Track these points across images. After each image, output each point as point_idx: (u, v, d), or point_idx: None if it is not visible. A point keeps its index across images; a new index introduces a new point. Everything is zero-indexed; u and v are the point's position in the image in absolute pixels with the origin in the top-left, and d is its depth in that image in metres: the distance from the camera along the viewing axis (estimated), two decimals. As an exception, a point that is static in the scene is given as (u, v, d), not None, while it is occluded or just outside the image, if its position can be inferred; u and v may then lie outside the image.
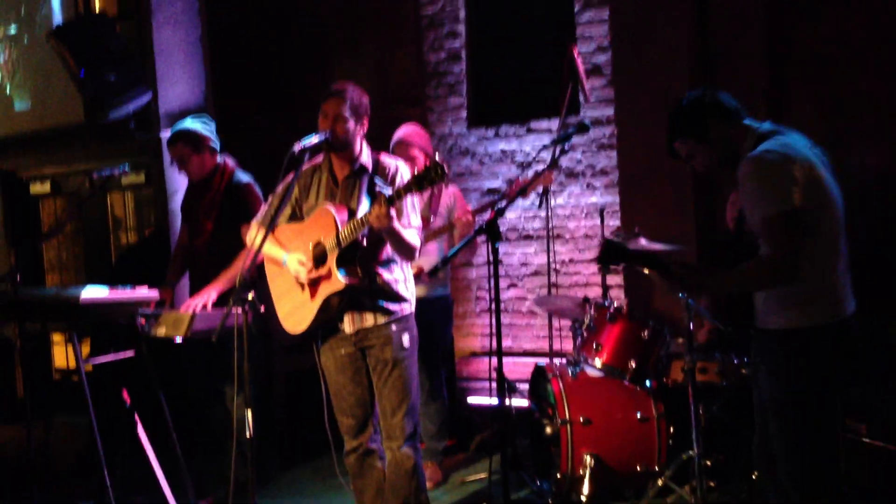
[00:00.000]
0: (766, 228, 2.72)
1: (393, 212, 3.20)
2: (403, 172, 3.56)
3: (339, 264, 3.32)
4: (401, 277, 3.56)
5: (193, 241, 4.52)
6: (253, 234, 3.62)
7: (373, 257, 3.45)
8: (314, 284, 3.43)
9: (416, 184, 3.11)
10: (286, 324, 3.58)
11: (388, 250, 3.49)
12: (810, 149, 2.86)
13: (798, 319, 2.78)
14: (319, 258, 3.39)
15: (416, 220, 3.49)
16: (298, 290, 3.50)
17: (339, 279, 3.30)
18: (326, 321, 3.50)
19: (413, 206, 3.49)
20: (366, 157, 3.55)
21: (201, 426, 4.66)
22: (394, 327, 3.50)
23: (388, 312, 3.50)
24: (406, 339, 3.53)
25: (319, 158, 3.63)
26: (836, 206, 2.83)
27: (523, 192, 4.14)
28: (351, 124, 3.44)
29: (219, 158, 4.48)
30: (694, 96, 2.97)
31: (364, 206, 3.42)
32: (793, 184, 2.69)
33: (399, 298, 3.53)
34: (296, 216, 3.63)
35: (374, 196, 3.43)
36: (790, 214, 2.68)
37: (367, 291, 3.45)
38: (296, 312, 3.52)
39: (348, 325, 3.51)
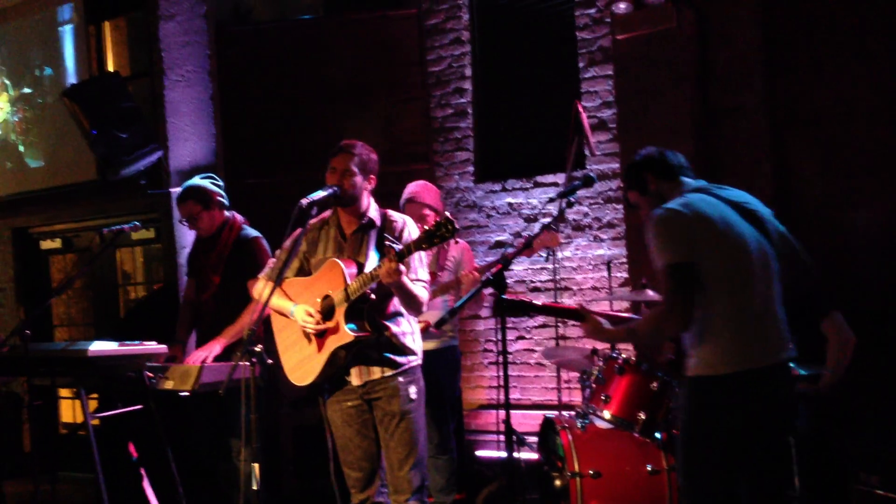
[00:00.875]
0: (661, 279, 2.91)
1: (402, 266, 3.23)
2: (411, 228, 3.61)
3: (348, 318, 3.33)
4: (408, 330, 3.57)
5: (200, 295, 4.53)
6: (261, 288, 3.65)
7: (380, 311, 3.47)
8: (321, 337, 3.43)
9: (427, 240, 3.14)
10: (292, 376, 3.57)
11: (396, 303, 3.51)
12: (721, 205, 3.00)
13: (696, 367, 2.94)
14: (327, 311, 3.41)
15: (424, 274, 3.52)
16: (305, 342, 3.51)
17: (348, 332, 3.31)
18: (333, 374, 3.50)
19: (420, 260, 3.53)
20: (373, 212, 3.59)
21: (208, 481, 4.62)
22: (401, 379, 3.50)
23: (395, 365, 3.50)
24: (413, 391, 3.53)
25: (327, 213, 3.68)
26: (738, 259, 2.93)
27: (529, 246, 4.20)
28: (358, 179, 3.50)
29: (227, 214, 4.53)
30: (643, 153, 3.19)
31: (372, 261, 3.45)
32: (678, 238, 2.88)
33: (406, 351, 3.54)
34: (303, 270, 3.65)
35: (382, 251, 3.46)
36: (675, 267, 2.86)
37: (375, 344, 3.46)
38: (302, 365, 3.52)
39: (356, 377, 3.51)
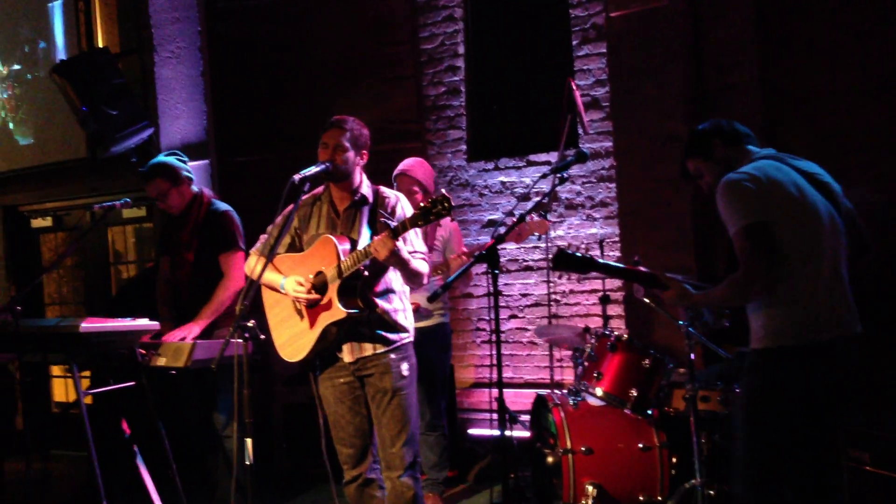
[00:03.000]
0: (737, 243, 2.86)
1: (399, 244, 3.22)
2: (404, 205, 3.60)
3: (340, 294, 3.32)
4: (400, 307, 3.56)
5: (176, 274, 4.49)
6: (252, 264, 3.63)
7: (372, 287, 3.46)
8: (313, 313, 3.43)
9: (423, 217, 3.13)
10: (283, 352, 3.56)
11: (387, 280, 3.50)
12: (793, 172, 2.99)
13: (766, 340, 2.90)
14: (320, 287, 3.40)
15: (422, 246, 3.52)
16: (297, 318, 3.50)
17: (340, 309, 3.30)
18: (324, 350, 3.49)
19: (416, 232, 3.51)
20: (366, 188, 3.57)
21: (200, 456, 4.63)
22: (393, 356, 3.50)
23: (387, 342, 3.50)
24: (405, 367, 3.52)
25: (320, 189, 3.66)
26: (811, 226, 2.91)
27: (510, 233, 4.17)
28: (351, 154, 3.48)
29: (195, 189, 4.50)
30: (710, 122, 3.20)
31: (365, 237, 3.44)
32: (753, 200, 2.86)
33: (398, 328, 3.53)
34: (295, 246, 3.64)
35: (374, 227, 3.45)
36: (752, 227, 2.84)
37: (366, 321, 3.46)
38: (294, 341, 3.51)
39: (347, 354, 3.50)
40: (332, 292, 3.33)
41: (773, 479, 2.89)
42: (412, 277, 3.42)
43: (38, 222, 7.55)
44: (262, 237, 3.70)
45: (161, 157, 4.51)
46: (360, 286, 3.37)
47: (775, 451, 2.91)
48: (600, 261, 3.17)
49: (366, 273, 3.36)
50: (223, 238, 4.31)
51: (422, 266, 3.43)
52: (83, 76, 5.85)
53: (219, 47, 6.69)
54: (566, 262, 3.12)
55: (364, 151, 3.56)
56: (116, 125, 5.86)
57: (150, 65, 6.31)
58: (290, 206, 3.50)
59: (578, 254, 3.14)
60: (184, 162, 4.51)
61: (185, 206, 4.45)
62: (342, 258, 3.32)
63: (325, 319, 3.37)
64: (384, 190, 3.63)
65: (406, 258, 3.31)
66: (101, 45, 6.91)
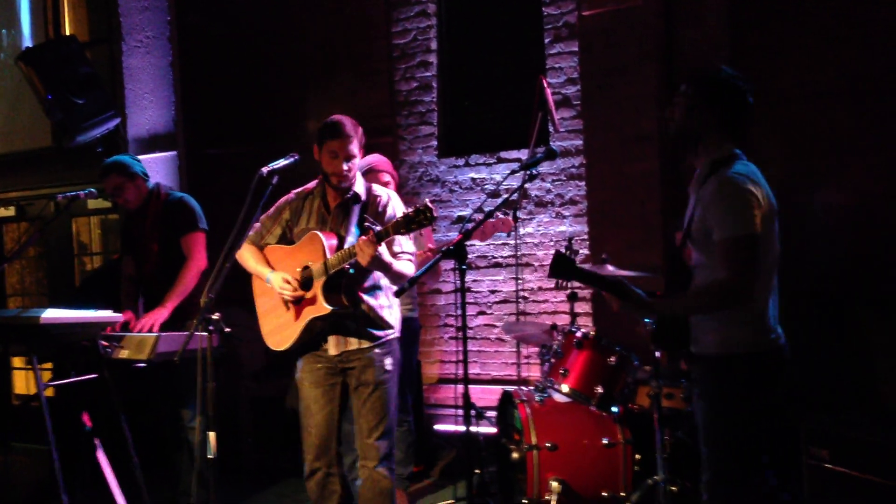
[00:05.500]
0: (728, 249, 2.75)
1: (381, 249, 3.24)
2: (395, 203, 3.62)
3: (325, 290, 3.37)
4: (386, 304, 3.59)
5: (143, 268, 4.52)
6: (246, 255, 3.66)
7: (358, 284, 3.49)
8: (299, 306, 3.47)
9: (405, 225, 3.15)
10: (269, 340, 3.62)
11: (375, 277, 3.54)
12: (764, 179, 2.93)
13: (738, 345, 2.84)
14: (306, 282, 3.45)
15: (410, 247, 3.55)
16: (283, 309, 3.54)
17: (324, 305, 3.35)
18: (309, 342, 3.54)
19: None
20: (359, 186, 3.59)
21: (164, 450, 4.58)
22: (377, 351, 3.54)
23: (372, 338, 3.54)
24: (388, 362, 3.56)
25: (313, 184, 3.68)
26: (776, 240, 2.91)
27: (478, 230, 4.18)
28: (357, 160, 3.54)
29: (150, 184, 4.56)
30: (744, 84, 2.94)
31: (353, 235, 3.47)
32: (757, 209, 2.76)
33: (384, 324, 3.57)
34: (286, 238, 3.68)
35: (363, 226, 3.47)
36: (753, 238, 2.74)
37: (352, 316, 3.50)
38: (280, 331, 3.56)
39: (333, 347, 3.54)
40: (318, 288, 3.39)
41: (753, 496, 2.89)
42: (396, 279, 3.45)
43: (0, 212, 7.43)
44: (256, 226, 3.71)
45: (115, 157, 4.63)
46: (344, 284, 3.41)
47: (756, 463, 2.89)
48: (595, 273, 3.09)
49: (351, 271, 3.39)
50: (183, 221, 4.40)
51: (407, 268, 3.46)
52: (49, 64, 5.76)
53: (189, 38, 6.62)
54: (565, 270, 2.95)
55: (362, 149, 3.59)
56: (83, 114, 5.78)
57: (118, 54, 6.24)
58: (285, 198, 3.61)
59: (584, 266, 3.05)
60: (137, 160, 4.61)
61: (141, 201, 4.50)
62: (328, 255, 3.36)
63: (309, 313, 3.43)
64: (376, 188, 3.66)
65: (388, 262, 3.33)
66: (68, 33, 6.81)
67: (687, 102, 2.95)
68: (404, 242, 3.51)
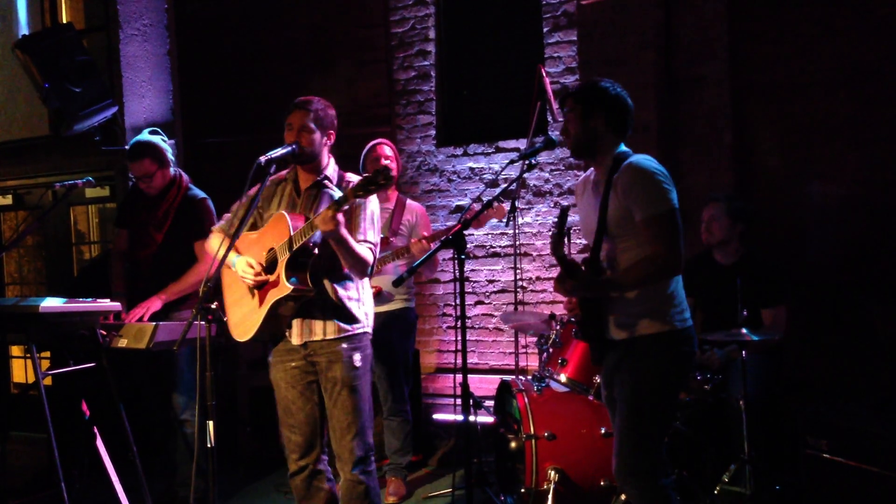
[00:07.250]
0: (653, 225, 2.97)
1: (340, 217, 3.14)
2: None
3: (289, 270, 3.26)
4: (355, 296, 3.48)
5: (138, 251, 4.45)
6: (214, 243, 3.59)
7: (327, 269, 3.38)
8: (263, 291, 3.37)
9: (363, 187, 3.05)
10: (235, 332, 3.51)
11: (344, 267, 3.41)
12: None
13: (675, 320, 3.07)
14: (271, 264, 3.35)
15: (373, 237, 3.43)
16: (249, 297, 3.45)
17: (286, 284, 3.23)
18: (273, 330, 3.44)
19: (372, 220, 3.44)
20: (331, 170, 3.53)
21: (162, 439, 4.59)
22: (344, 345, 3.42)
23: (338, 329, 3.42)
24: (357, 358, 3.43)
25: (287, 171, 3.62)
26: None
27: (476, 219, 4.19)
28: (317, 136, 3.42)
29: (173, 171, 4.47)
30: (621, 90, 3.18)
31: None
32: (671, 185, 3.01)
33: (352, 317, 3.44)
34: (256, 226, 3.59)
35: None
36: (674, 212, 2.99)
37: (319, 305, 3.39)
38: (245, 320, 3.46)
39: (296, 335, 3.43)
40: (280, 267, 3.27)
41: (660, 458, 3.07)
42: (355, 263, 3.32)
43: (-3, 200, 7.41)
44: (226, 216, 3.65)
45: (146, 136, 4.45)
46: (311, 263, 3.30)
47: (666, 433, 3.24)
48: (561, 250, 3.21)
49: (316, 251, 3.30)
50: (201, 226, 4.28)
51: (366, 253, 3.33)
52: (46, 52, 5.71)
53: (187, 26, 6.59)
54: (559, 234, 3.19)
55: (331, 132, 3.50)
56: (80, 103, 5.74)
57: (116, 42, 6.18)
58: (257, 186, 3.44)
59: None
60: (166, 142, 4.48)
61: (163, 188, 4.42)
62: (292, 233, 3.24)
63: (272, 296, 3.31)
64: (350, 176, 3.57)
65: (344, 235, 3.20)
66: (65, 20, 6.77)
67: (577, 115, 3.17)
68: (369, 232, 3.41)
